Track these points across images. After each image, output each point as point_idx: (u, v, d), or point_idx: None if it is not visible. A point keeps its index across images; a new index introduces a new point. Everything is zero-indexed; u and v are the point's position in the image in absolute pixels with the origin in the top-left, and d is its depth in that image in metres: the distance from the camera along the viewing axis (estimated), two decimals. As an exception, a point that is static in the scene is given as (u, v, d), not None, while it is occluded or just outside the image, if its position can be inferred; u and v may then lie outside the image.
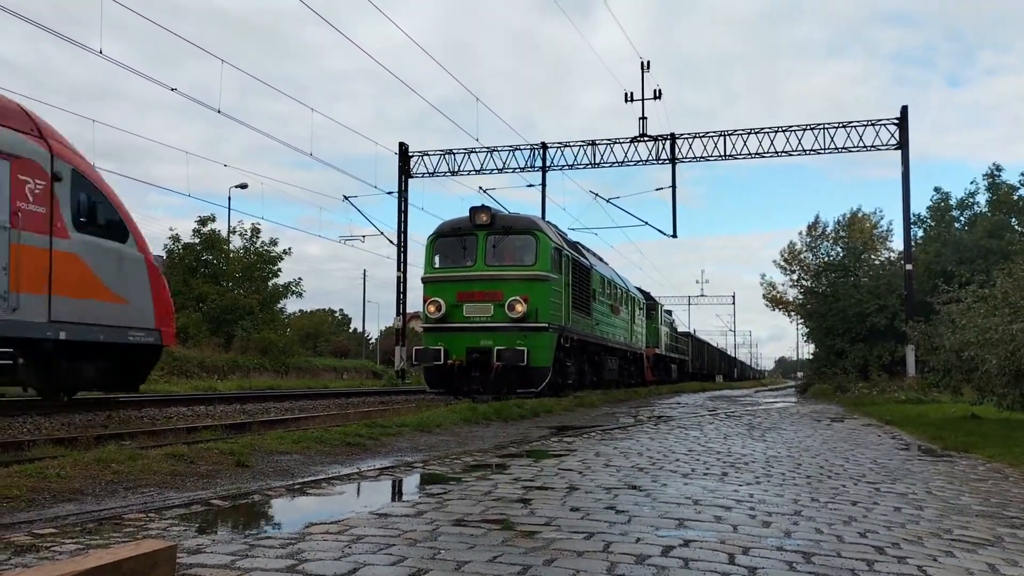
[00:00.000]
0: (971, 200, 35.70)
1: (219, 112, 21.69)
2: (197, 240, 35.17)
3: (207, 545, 3.36)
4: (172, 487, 4.99)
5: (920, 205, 38.69)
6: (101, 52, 17.80)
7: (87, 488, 4.78)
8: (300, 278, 57.80)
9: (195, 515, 4.09)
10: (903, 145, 26.56)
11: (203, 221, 35.23)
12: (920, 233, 36.41)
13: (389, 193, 31.29)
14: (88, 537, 3.50)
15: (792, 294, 46.14)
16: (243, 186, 40.03)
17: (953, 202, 36.13)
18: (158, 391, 19.87)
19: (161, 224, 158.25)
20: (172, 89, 19.39)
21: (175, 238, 35.14)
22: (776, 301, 51.49)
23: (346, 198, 31.35)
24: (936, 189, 38.74)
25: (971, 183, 55.05)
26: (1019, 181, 34.63)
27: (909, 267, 26.45)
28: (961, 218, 35.65)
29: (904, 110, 26.88)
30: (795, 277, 44.71)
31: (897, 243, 43.22)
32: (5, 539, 3.43)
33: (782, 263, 47.30)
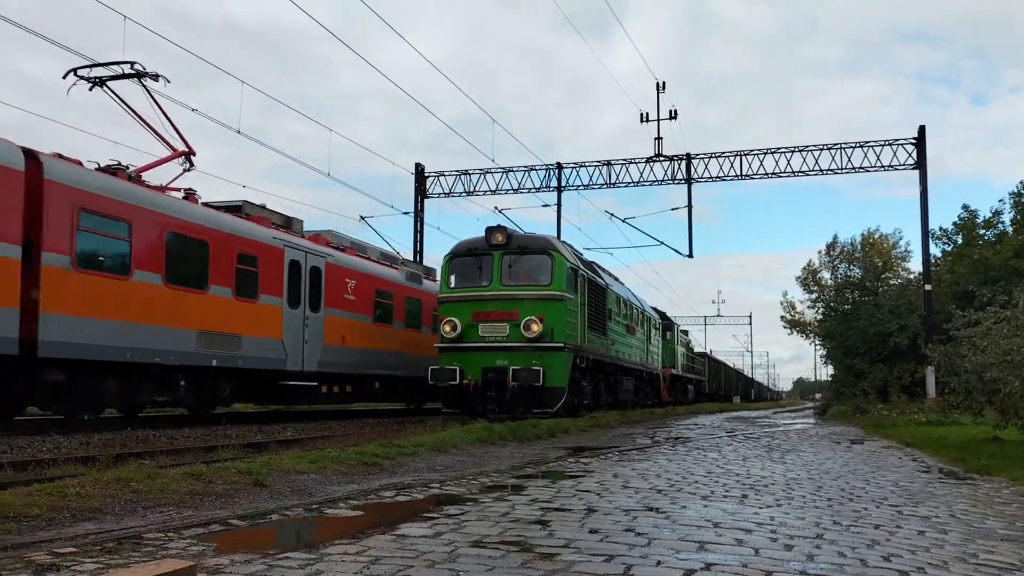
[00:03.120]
0: (997, 220, 35.34)
1: (239, 132, 21.80)
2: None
3: (226, 565, 3.36)
4: (191, 506, 5.00)
5: (945, 222, 38.37)
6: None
7: (106, 507, 4.79)
8: None
9: (214, 534, 4.09)
10: (921, 165, 26.43)
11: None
12: (940, 251, 36.10)
13: (405, 213, 31.38)
14: (108, 556, 3.51)
15: (811, 315, 45.85)
16: (262, 207, 40.32)
17: (980, 220, 35.74)
18: (176, 410, 19.98)
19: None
20: (192, 109, 19.52)
21: None
22: (795, 323, 51.17)
23: (363, 218, 31.58)
24: (964, 207, 38.31)
25: (999, 201, 54.52)
26: None
27: (928, 287, 26.23)
28: (987, 236, 35.23)
29: (922, 130, 26.77)
30: (814, 297, 44.44)
31: (915, 264, 42.96)
32: (25, 558, 3.44)
33: (802, 282, 47.07)
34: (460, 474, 7.11)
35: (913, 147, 26.63)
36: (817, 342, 47.21)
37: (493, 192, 30.51)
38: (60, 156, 12.17)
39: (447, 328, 16.46)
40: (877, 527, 4.60)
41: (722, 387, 55.79)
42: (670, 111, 28.50)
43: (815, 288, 45.31)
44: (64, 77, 14.27)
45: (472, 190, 30.81)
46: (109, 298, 12.38)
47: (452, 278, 17.19)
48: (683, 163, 28.66)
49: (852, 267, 41.42)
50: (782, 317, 52.09)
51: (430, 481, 6.52)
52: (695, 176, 28.56)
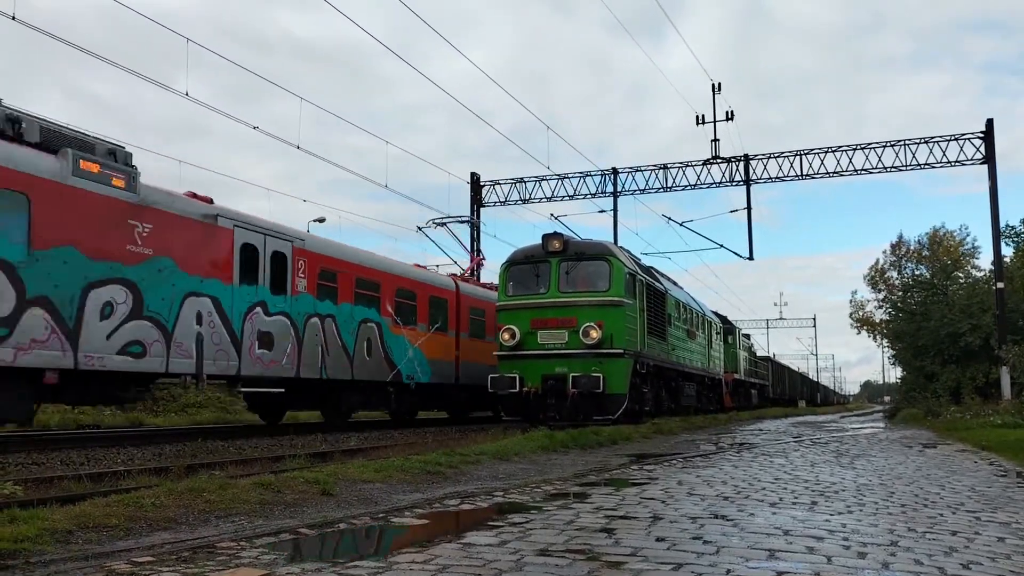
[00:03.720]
0: None
1: (298, 148, 22.26)
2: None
3: (297, 573, 3.43)
4: (261, 515, 5.11)
5: (1017, 218, 36.86)
6: (187, 94, 18.58)
7: (181, 517, 4.93)
8: None
9: (284, 543, 4.17)
10: (990, 159, 25.56)
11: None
12: (1013, 248, 34.77)
13: (463, 222, 31.61)
14: (184, 565, 3.61)
15: (879, 315, 44.69)
16: (321, 220, 40.95)
17: None
18: (242, 419, 20.44)
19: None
20: (254, 127, 20.03)
21: None
22: (863, 322, 49.95)
23: (420, 228, 31.85)
24: None
25: None
26: None
27: (1000, 285, 25.32)
28: None
29: (989, 123, 25.90)
30: (881, 297, 43.31)
31: (984, 260, 41.55)
32: (106, 567, 3.56)
33: (869, 281, 45.97)
34: (523, 482, 7.12)
35: (981, 141, 25.78)
36: (885, 344, 45.95)
37: (548, 199, 30.52)
38: (462, 278, 22.64)
39: (506, 336, 16.50)
40: (954, 534, 4.46)
41: (786, 391, 54.71)
42: (727, 112, 28.11)
43: (883, 288, 44.16)
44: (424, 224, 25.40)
45: (528, 198, 30.86)
46: (476, 350, 21.45)
47: (510, 286, 17.24)
48: (741, 164, 28.24)
49: (920, 266, 40.27)
50: (851, 315, 50.86)
51: (493, 489, 6.54)
52: (754, 177, 28.12)
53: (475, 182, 31.83)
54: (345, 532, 4.60)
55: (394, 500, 5.93)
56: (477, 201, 31.73)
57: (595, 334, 15.76)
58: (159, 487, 5.64)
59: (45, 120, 11.32)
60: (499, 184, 31.54)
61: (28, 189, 10.36)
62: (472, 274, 26.65)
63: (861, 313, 50.22)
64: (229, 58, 36.95)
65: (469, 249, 30.80)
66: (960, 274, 38.68)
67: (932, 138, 26.29)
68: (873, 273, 45.68)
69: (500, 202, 31.48)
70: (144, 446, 11.85)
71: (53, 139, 11.16)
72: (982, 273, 38.62)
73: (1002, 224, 28.52)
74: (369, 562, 3.66)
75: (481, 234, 31.65)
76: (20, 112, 10.99)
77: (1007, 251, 34.05)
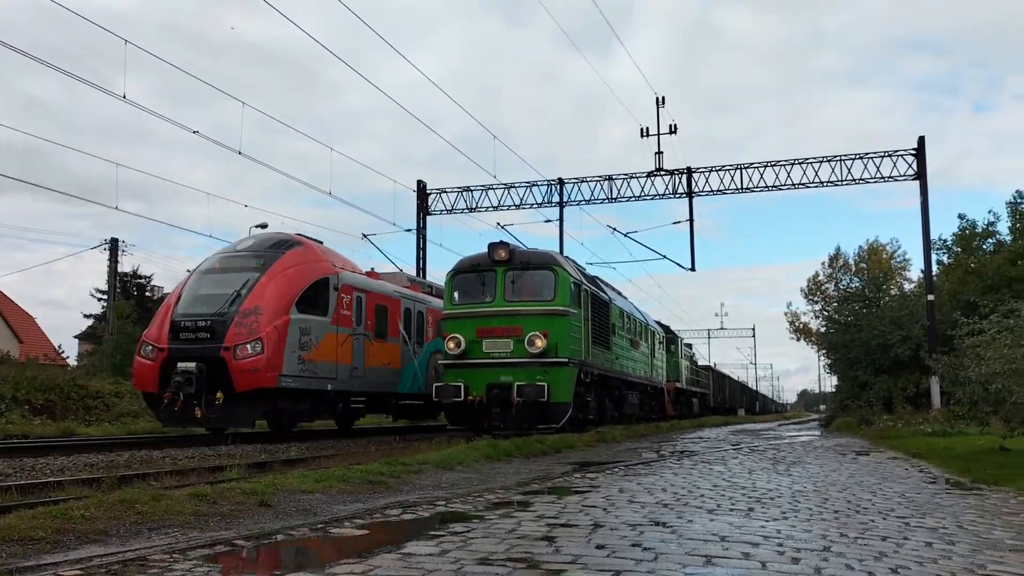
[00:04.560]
0: (992, 228, 35.28)
1: (240, 153, 21.91)
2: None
3: (232, 586, 3.35)
4: (195, 527, 5.00)
5: (950, 232, 38.01)
6: (125, 97, 18.17)
7: (112, 529, 4.79)
8: None
9: (219, 556, 4.09)
10: (921, 176, 26.44)
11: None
12: (944, 261, 36.00)
13: (407, 230, 31.46)
14: (114, 578, 3.50)
15: (816, 325, 45.77)
16: (263, 226, 40.34)
17: (979, 229, 35.69)
18: (178, 430, 19.94)
19: (183, 264, 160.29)
20: (194, 132, 19.65)
21: None
22: (800, 331, 51.10)
23: (365, 236, 31.64)
24: (960, 216, 38.32)
25: (988, 212, 54.48)
26: None
27: (931, 297, 26.18)
28: (984, 246, 35.16)
29: (921, 140, 26.81)
30: (818, 308, 44.40)
31: (915, 273, 42.95)
32: (32, 581, 3.44)
33: (806, 294, 47.07)
34: (466, 491, 7.09)
35: (913, 158, 26.67)
36: (821, 354, 47.07)
37: (495, 208, 30.58)
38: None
39: (451, 344, 16.45)
40: (884, 539, 4.58)
41: (727, 400, 55.60)
42: (670, 125, 28.60)
43: (819, 300, 45.29)
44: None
45: (474, 206, 30.88)
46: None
47: (455, 294, 17.21)
48: (684, 177, 28.71)
49: (855, 278, 41.41)
50: (791, 323, 51.94)
51: (436, 499, 6.51)
52: (696, 190, 28.60)
53: (421, 190, 31.73)
54: (282, 544, 4.53)
55: (334, 511, 5.85)
56: (423, 209, 31.61)
57: (540, 343, 15.81)
58: (89, 499, 5.48)
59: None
60: (446, 192, 31.50)
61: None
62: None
63: (798, 323, 51.39)
64: (169, 61, 36.09)
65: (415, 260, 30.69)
66: (892, 286, 39.91)
67: (867, 154, 27.10)
68: (811, 285, 46.81)
69: (447, 210, 31.43)
70: (75, 456, 11.49)
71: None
72: (912, 286, 39.93)
73: (933, 238, 29.55)
74: (307, 574, 3.61)
75: (427, 242, 31.57)
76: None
77: (939, 261, 35.29)
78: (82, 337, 54.66)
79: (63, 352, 53.99)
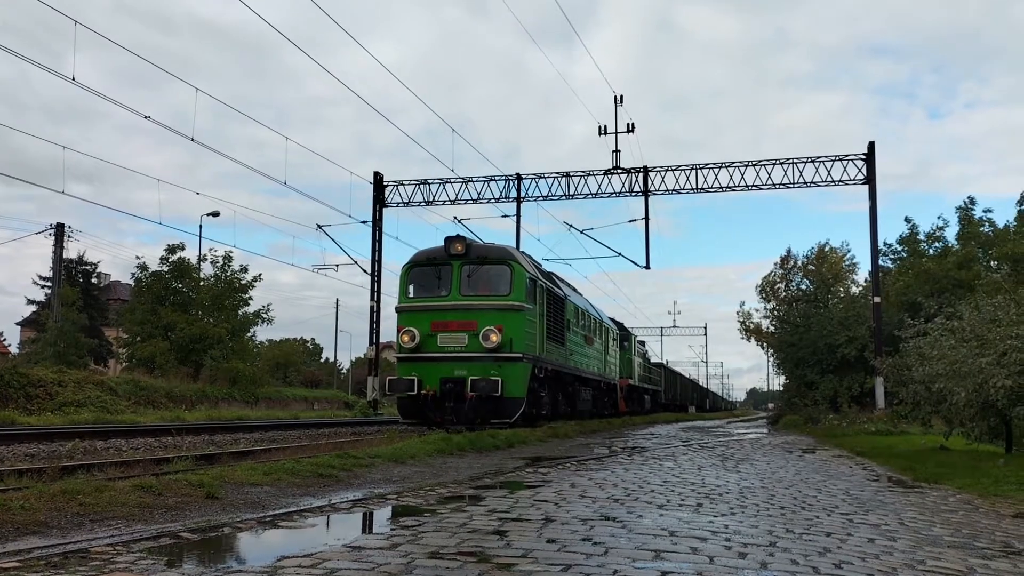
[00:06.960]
0: (940, 233, 36.21)
1: (192, 140, 21.52)
2: (165, 268, 34.75)
3: (177, 579, 3.29)
4: (140, 519, 4.89)
5: (897, 236, 38.85)
6: (74, 79, 17.70)
7: (52, 520, 4.67)
8: (270, 304, 57.49)
9: (164, 548, 4.01)
10: (870, 180, 27.04)
11: (171, 249, 34.82)
12: (890, 264, 36.85)
13: (363, 222, 31.21)
14: (53, 571, 3.42)
15: (766, 325, 46.49)
16: (215, 214, 39.80)
17: (922, 235, 36.61)
18: (124, 421, 19.53)
19: (131, 251, 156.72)
20: (146, 117, 19.23)
21: (142, 266, 34.71)
22: (751, 331, 51.81)
23: (320, 227, 31.32)
24: (906, 219, 39.28)
25: (938, 217, 55.91)
26: (984, 215, 35.07)
27: (877, 299, 26.80)
28: (930, 251, 36.08)
29: (871, 145, 27.40)
30: (771, 307, 45.11)
31: (863, 276, 43.89)
32: (-33, 574, 3.34)
33: (761, 290, 47.75)
34: (417, 485, 7.07)
35: (863, 162, 27.24)
36: (770, 353, 47.86)
37: (452, 202, 30.47)
38: None
39: (405, 338, 16.36)
40: (829, 535, 4.68)
41: (678, 397, 56.25)
42: (628, 124, 28.79)
43: (771, 300, 46.00)
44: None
45: (432, 200, 30.74)
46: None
47: (411, 288, 17.11)
48: (640, 176, 28.94)
49: (805, 280, 42.17)
50: (742, 323, 52.64)
51: (387, 493, 6.47)
52: (652, 189, 28.85)
53: (378, 182, 31.49)
54: (230, 537, 4.46)
55: (283, 504, 5.78)
56: (380, 201, 31.38)
57: (495, 338, 15.81)
58: (29, 489, 5.34)
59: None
60: (403, 185, 31.31)
61: None
62: None
63: (749, 323, 52.11)
64: (121, 44, 34.60)
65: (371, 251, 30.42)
66: (840, 288, 40.73)
67: (818, 158, 27.60)
68: (764, 284, 47.52)
69: (404, 203, 31.24)
70: (15, 445, 11.18)
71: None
72: (860, 288, 40.79)
73: (880, 242, 30.24)
74: (254, 567, 3.56)
75: (383, 235, 31.36)
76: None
77: (887, 264, 36.10)
78: (24, 324, 53.23)
79: (4, 339, 52.60)
